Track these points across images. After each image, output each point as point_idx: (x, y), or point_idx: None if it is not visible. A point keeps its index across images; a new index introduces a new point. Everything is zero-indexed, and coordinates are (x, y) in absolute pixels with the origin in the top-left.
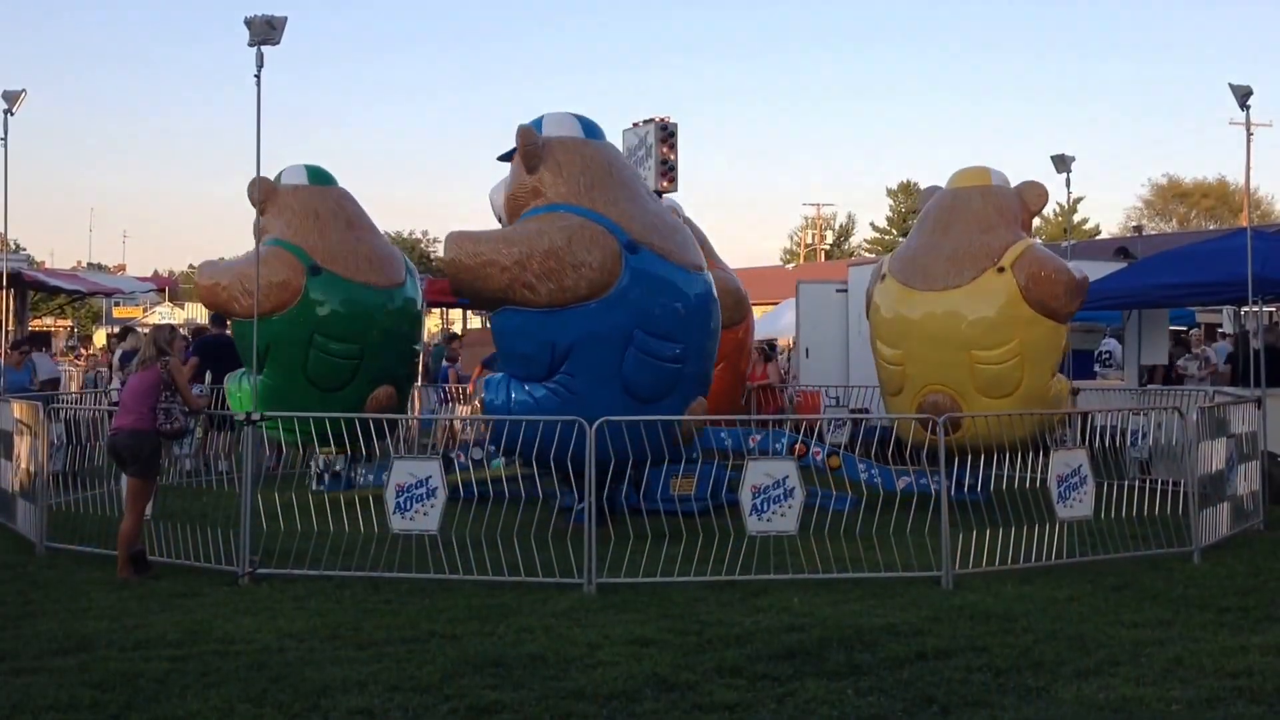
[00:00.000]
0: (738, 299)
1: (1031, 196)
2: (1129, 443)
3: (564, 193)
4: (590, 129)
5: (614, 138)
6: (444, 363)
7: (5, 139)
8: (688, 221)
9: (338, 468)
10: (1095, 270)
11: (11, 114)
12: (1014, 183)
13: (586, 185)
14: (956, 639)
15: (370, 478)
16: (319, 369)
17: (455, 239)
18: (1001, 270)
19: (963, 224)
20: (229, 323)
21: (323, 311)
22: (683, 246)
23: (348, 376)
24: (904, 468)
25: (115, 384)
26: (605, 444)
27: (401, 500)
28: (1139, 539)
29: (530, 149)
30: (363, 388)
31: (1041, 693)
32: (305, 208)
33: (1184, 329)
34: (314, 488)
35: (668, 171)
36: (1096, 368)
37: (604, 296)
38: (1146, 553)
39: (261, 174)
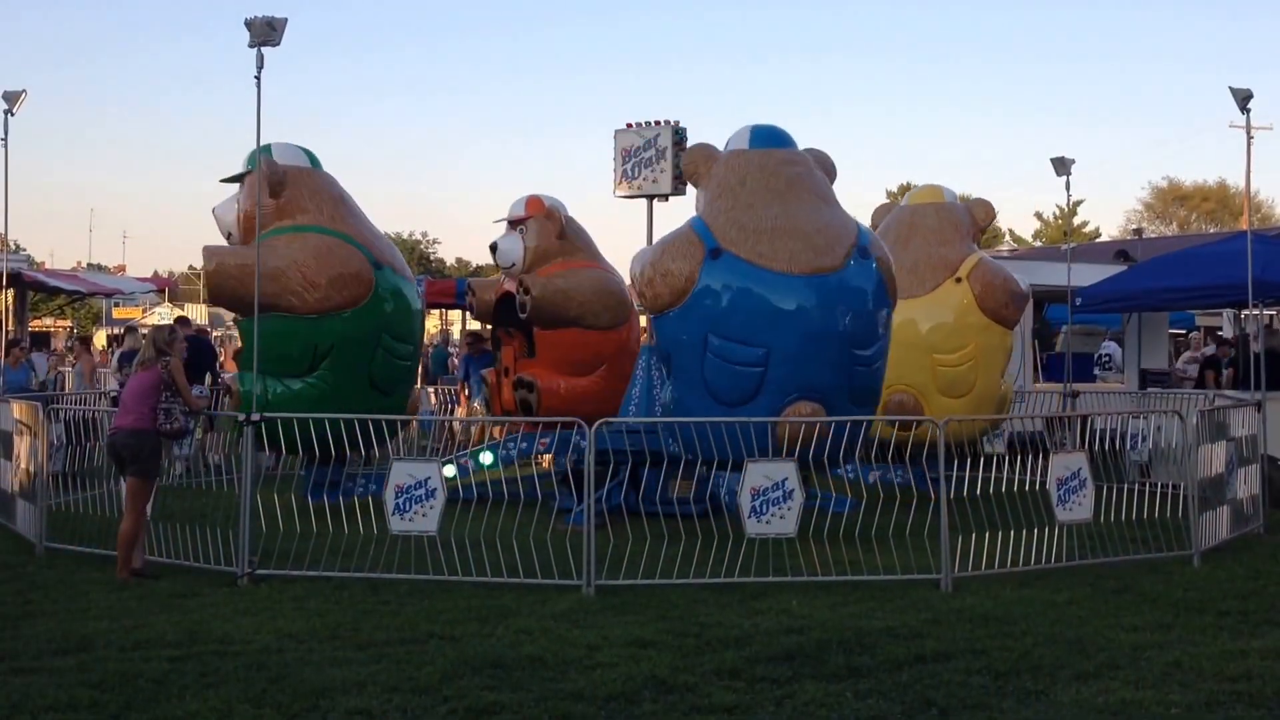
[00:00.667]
0: (619, 300)
1: (980, 212)
2: (1129, 446)
3: (701, 202)
4: (761, 137)
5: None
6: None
7: (5, 139)
8: (569, 221)
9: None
10: (1095, 273)
11: (11, 114)
12: (973, 197)
13: (715, 195)
14: (955, 642)
15: (374, 487)
16: (384, 371)
17: (638, 259)
18: (959, 280)
19: (921, 238)
20: (192, 321)
21: (389, 309)
22: (790, 251)
23: (404, 377)
24: (898, 465)
25: (114, 385)
26: (692, 443)
27: (400, 501)
28: (1138, 542)
29: (694, 168)
30: (409, 390)
31: (1040, 696)
32: (328, 193)
33: (1184, 331)
34: (309, 496)
35: (679, 174)
36: (1096, 370)
37: (683, 303)
38: (1146, 556)
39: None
